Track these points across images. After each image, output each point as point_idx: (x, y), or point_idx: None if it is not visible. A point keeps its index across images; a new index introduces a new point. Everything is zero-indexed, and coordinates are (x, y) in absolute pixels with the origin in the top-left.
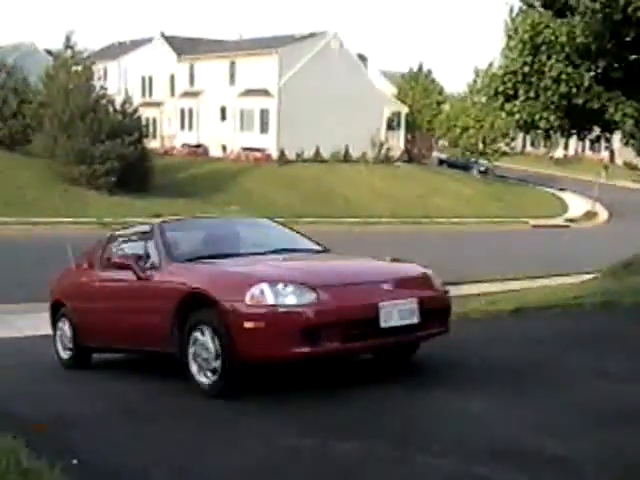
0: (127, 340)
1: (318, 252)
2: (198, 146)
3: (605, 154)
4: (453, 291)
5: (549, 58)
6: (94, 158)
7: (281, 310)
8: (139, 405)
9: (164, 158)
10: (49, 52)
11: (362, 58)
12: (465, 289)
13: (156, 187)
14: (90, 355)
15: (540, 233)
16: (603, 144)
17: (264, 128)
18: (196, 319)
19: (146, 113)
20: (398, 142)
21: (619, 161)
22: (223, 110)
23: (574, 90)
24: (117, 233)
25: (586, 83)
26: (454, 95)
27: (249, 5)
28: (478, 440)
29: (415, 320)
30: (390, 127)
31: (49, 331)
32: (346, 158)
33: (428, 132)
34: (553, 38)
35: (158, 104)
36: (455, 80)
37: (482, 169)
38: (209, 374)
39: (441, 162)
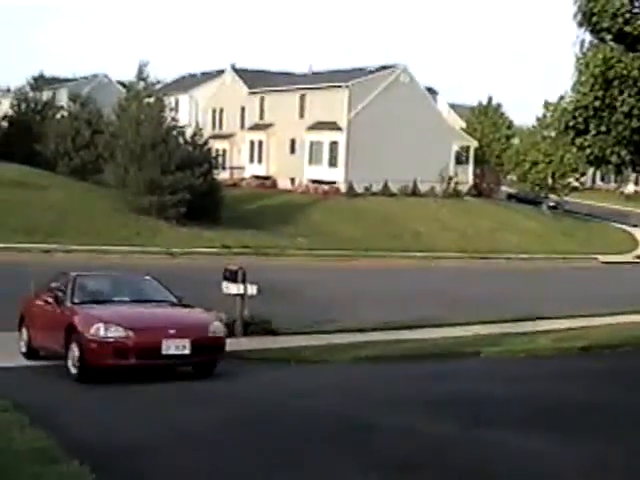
0: (49, 345)
1: (169, 303)
2: (267, 178)
3: None
4: (518, 328)
5: (621, 93)
6: (164, 189)
7: (106, 339)
8: (197, 433)
9: (233, 190)
10: (122, 84)
11: (432, 91)
12: (532, 326)
13: (225, 218)
14: (38, 351)
15: (610, 269)
16: None
17: (333, 161)
18: (71, 338)
19: (216, 145)
20: (467, 176)
21: None
22: (292, 143)
23: None
24: (54, 277)
25: None
26: (523, 129)
27: (319, 36)
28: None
29: (187, 352)
30: (459, 161)
31: None
32: (414, 192)
33: (497, 166)
34: (625, 72)
35: (228, 136)
36: (524, 114)
37: (551, 204)
38: (75, 369)
39: (510, 197)
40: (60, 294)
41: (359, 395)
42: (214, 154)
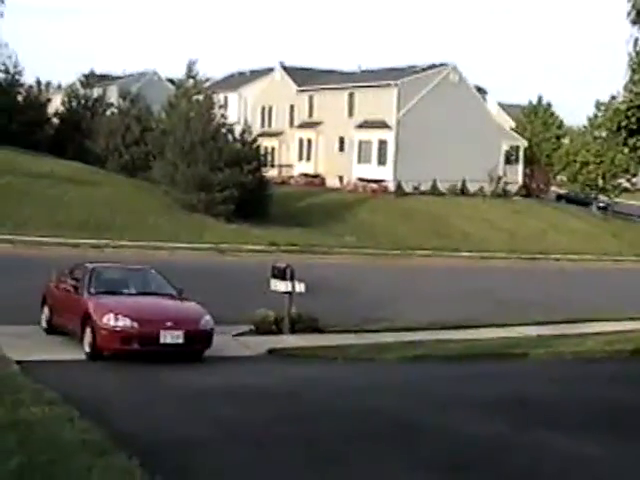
0: (67, 326)
1: (169, 295)
2: (315, 176)
3: None
4: (567, 329)
5: None
6: (213, 186)
7: (115, 328)
8: (244, 430)
9: (281, 187)
10: (171, 81)
11: (481, 91)
12: (582, 327)
13: (273, 216)
14: (56, 328)
15: None
16: None
17: (382, 160)
18: (86, 323)
19: (265, 142)
20: (516, 176)
21: None
22: (341, 141)
23: None
24: (73, 267)
25: None
26: (574, 129)
27: (368, 35)
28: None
29: (180, 341)
30: (508, 161)
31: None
32: (463, 191)
33: (547, 167)
34: None
35: (277, 134)
36: (575, 113)
37: (602, 205)
38: (89, 349)
39: (559, 197)
40: (78, 284)
41: (407, 394)
42: (263, 152)
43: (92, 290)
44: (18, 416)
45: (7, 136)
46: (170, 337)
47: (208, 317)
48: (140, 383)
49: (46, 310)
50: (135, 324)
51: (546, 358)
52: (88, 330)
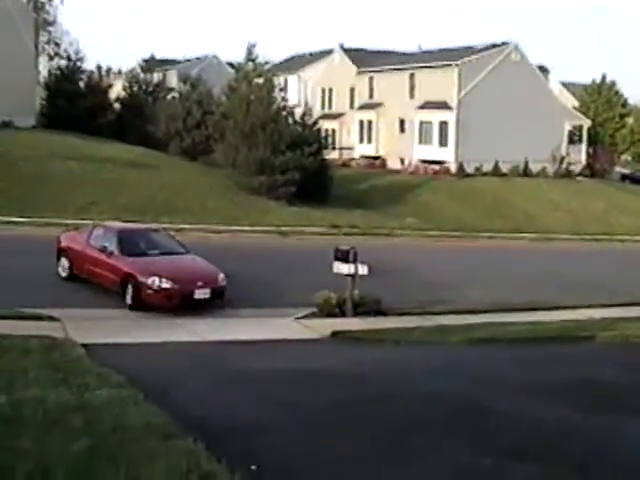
0: (100, 280)
1: (183, 253)
2: (376, 158)
3: None
4: (633, 312)
5: None
6: (274, 168)
7: (159, 288)
8: (311, 413)
9: (342, 170)
10: (231, 64)
11: (543, 70)
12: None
13: (334, 198)
14: (78, 277)
15: None
16: None
17: (443, 141)
18: (128, 282)
19: (325, 125)
20: (579, 156)
21: None
22: (402, 122)
23: None
24: (97, 227)
25: None
26: (639, 107)
27: (428, 15)
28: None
29: (208, 296)
30: (571, 141)
31: (228, 337)
32: (526, 172)
33: (611, 146)
34: None
35: (337, 116)
36: None
37: None
38: (130, 302)
39: (624, 177)
40: (107, 245)
41: (471, 378)
42: (323, 134)
43: (124, 251)
44: (85, 399)
45: (70, 122)
46: (201, 293)
47: (222, 275)
48: (204, 366)
49: (64, 262)
50: (176, 285)
51: (612, 341)
52: (130, 287)
